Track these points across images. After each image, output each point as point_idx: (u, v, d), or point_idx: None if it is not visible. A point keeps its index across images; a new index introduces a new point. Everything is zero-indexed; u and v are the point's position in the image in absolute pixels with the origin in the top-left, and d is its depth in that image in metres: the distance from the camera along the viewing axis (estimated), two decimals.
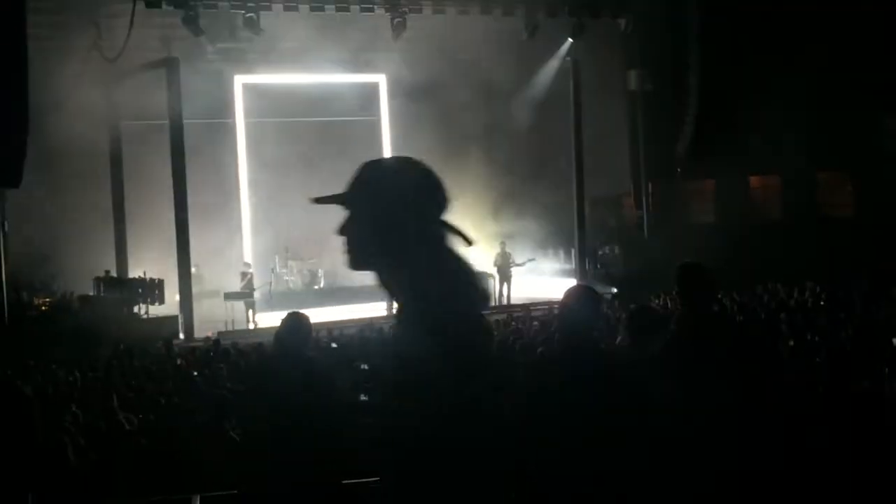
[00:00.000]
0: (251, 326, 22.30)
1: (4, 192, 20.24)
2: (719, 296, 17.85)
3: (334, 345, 14.67)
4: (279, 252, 24.87)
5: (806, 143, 23.27)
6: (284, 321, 6.23)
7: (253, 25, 22.40)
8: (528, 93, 26.47)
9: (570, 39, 25.40)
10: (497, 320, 18.52)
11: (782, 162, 24.39)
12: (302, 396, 5.71)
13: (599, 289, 7.27)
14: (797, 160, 23.87)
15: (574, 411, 4.43)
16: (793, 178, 25.77)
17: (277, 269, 24.26)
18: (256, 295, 22.86)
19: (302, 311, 6.39)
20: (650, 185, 26.23)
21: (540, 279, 25.82)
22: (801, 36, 22.33)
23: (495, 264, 24.77)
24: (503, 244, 24.88)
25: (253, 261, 24.12)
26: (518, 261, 24.91)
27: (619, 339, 8.09)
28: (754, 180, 26.88)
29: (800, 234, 23.29)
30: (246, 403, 7.05)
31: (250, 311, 22.78)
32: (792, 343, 10.75)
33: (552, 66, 26.39)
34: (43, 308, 20.78)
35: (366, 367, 12.01)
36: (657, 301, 17.57)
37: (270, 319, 21.91)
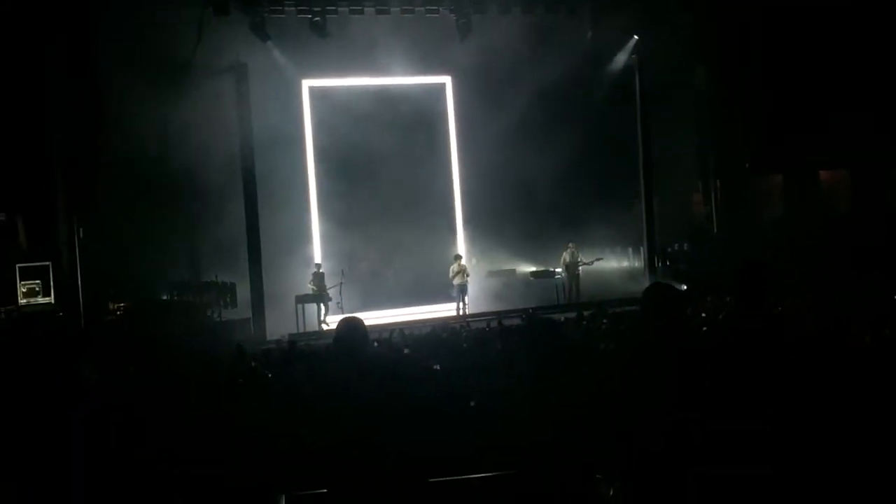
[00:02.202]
0: (323, 328, 22.47)
1: (79, 198, 20.62)
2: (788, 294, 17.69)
3: (406, 350, 14.70)
4: (349, 253, 24.99)
5: (876, 136, 22.87)
6: (339, 326, 6.26)
7: (319, 30, 22.59)
8: (594, 91, 26.34)
9: (636, 37, 25.28)
10: (566, 318, 18.48)
11: (852, 156, 24.00)
12: (379, 395, 5.76)
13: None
14: (867, 154, 23.48)
15: None
16: (863, 172, 25.33)
17: (347, 271, 24.41)
18: (328, 296, 23.03)
19: (372, 311, 6.46)
20: (718, 182, 25.98)
21: (609, 277, 25.73)
22: (870, 26, 21.98)
23: (563, 263, 24.77)
24: (571, 243, 24.83)
25: (323, 262, 24.28)
26: (585, 259, 24.86)
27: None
28: (824, 175, 26.47)
29: (869, 230, 22.91)
30: (324, 403, 7.11)
31: (322, 313, 22.97)
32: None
33: (618, 63, 26.25)
34: (118, 313, 21.10)
35: (437, 367, 12.04)
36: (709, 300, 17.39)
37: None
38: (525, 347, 5.45)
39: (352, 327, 6.20)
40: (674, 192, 27.42)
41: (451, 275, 24.10)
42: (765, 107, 24.28)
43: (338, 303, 23.10)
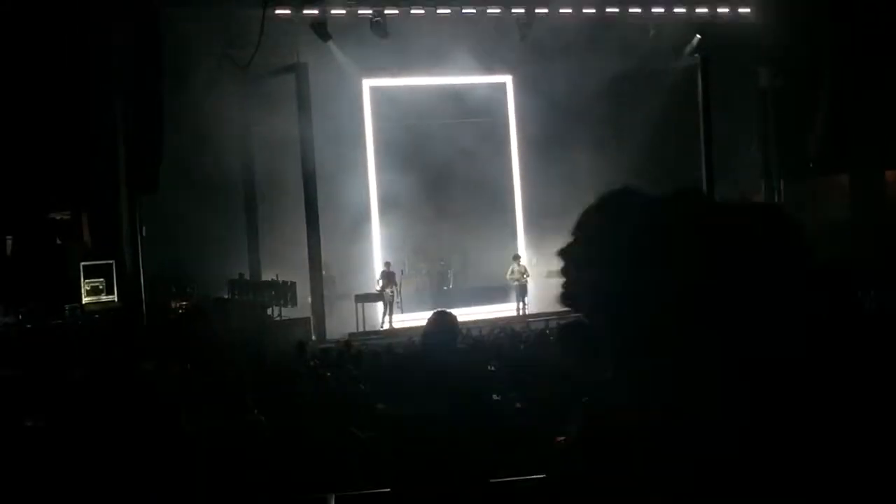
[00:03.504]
0: (384, 327, 22.52)
1: (143, 198, 20.82)
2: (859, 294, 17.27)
3: (462, 345, 14.63)
4: (408, 253, 24.96)
5: None
6: (431, 320, 6.21)
7: (379, 29, 22.60)
8: (656, 89, 26.02)
9: (699, 35, 24.97)
10: None
11: None
12: (453, 394, 5.69)
13: None
14: None
15: None
16: None
17: (407, 271, 24.35)
18: (396, 294, 23.05)
19: (431, 311, 6.37)
20: (782, 183, 25.60)
21: None
22: None
23: None
24: None
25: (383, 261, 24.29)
26: None
27: None
28: (890, 174, 25.94)
29: None
30: (389, 400, 7.05)
31: (387, 314, 22.97)
32: None
33: (681, 62, 25.92)
34: (180, 311, 21.26)
35: (493, 367, 11.96)
36: None
37: (403, 321, 22.10)
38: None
39: (441, 323, 6.14)
40: (737, 192, 27.03)
41: (509, 275, 23.99)
42: (829, 105, 23.85)
43: (397, 302, 23.10)
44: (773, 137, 25.74)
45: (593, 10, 23.85)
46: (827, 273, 2.73)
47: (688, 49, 25.58)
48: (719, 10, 24.63)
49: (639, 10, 24.17)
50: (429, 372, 5.94)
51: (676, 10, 24.28)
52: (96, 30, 19.48)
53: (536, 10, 23.54)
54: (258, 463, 7.18)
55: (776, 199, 25.61)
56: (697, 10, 24.37)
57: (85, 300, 19.77)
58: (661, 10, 24.33)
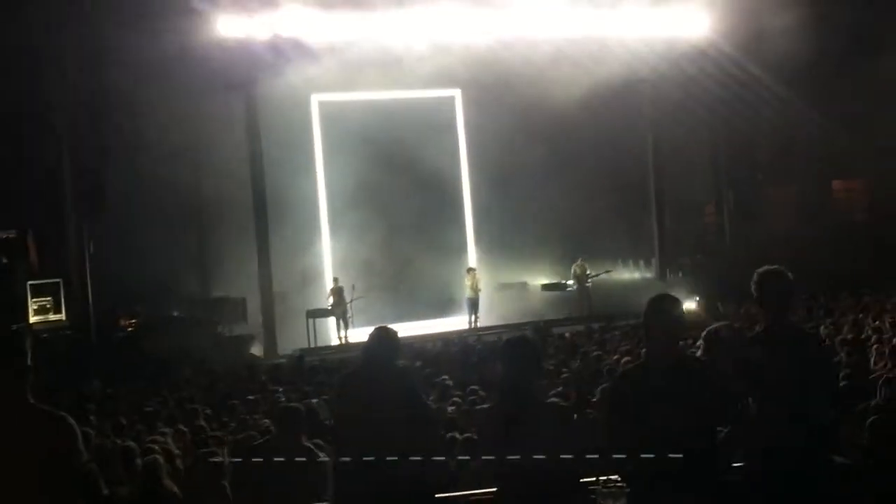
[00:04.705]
0: (335, 343, 22.50)
1: (91, 216, 20.63)
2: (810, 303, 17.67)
3: (418, 363, 14.66)
4: (359, 268, 24.88)
5: (890, 145, 22.75)
6: (372, 335, 6.25)
7: (328, 45, 22.55)
8: (606, 103, 26.16)
9: (649, 50, 25.13)
10: (578, 331, 18.48)
11: (866, 166, 23.90)
12: (398, 409, 5.73)
13: (682, 297, 7.16)
14: (882, 163, 23.35)
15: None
16: (877, 182, 25.20)
17: (358, 286, 24.31)
18: (347, 310, 22.98)
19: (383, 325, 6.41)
20: (731, 193, 25.90)
21: (622, 289, 25.62)
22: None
23: (574, 276, 24.72)
24: (581, 258, 24.79)
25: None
26: (595, 272, 24.78)
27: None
28: (836, 185, 26.37)
29: (886, 239, 22.77)
30: (336, 418, 7.07)
31: (341, 329, 22.91)
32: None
33: (630, 76, 26.04)
34: (129, 329, 21.10)
35: (450, 381, 12.00)
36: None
37: (355, 336, 22.10)
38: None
39: (383, 339, 6.19)
40: (686, 204, 27.33)
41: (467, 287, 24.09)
42: (776, 118, 24.19)
43: (349, 317, 23.05)
44: (722, 150, 26.00)
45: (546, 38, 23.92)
46: None
47: (639, 63, 25.70)
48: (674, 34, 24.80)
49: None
50: (370, 386, 6.01)
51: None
52: (41, 48, 19.34)
53: (485, 28, 23.53)
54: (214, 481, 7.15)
55: (727, 208, 25.86)
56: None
57: (32, 319, 19.58)
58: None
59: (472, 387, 11.12)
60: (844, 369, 9.22)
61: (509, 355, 5.32)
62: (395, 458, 5.53)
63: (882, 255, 21.49)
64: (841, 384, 7.97)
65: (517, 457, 4.89)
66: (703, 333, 6.16)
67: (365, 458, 5.60)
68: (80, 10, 19.93)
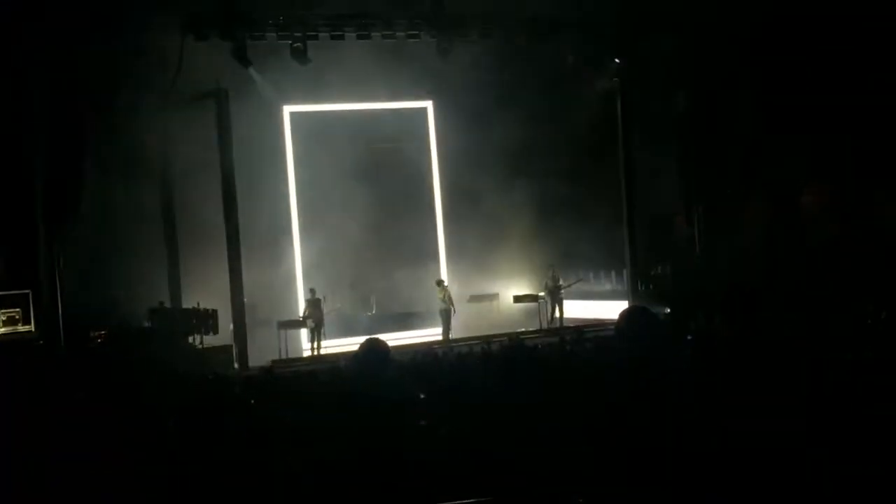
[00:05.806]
0: (306, 354, 22.46)
1: (60, 226, 20.51)
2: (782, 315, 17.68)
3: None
4: (331, 279, 24.87)
5: (858, 157, 22.89)
6: (363, 346, 6.25)
7: (300, 55, 22.54)
8: (576, 114, 26.26)
9: (617, 60, 25.28)
10: (550, 343, 18.45)
11: (835, 180, 24.01)
12: (387, 420, 5.74)
13: (653, 308, 7.24)
14: (851, 177, 23.49)
15: None
16: (847, 196, 25.32)
17: (330, 297, 24.28)
18: (310, 323, 22.93)
19: (355, 337, 6.45)
20: (701, 205, 26.00)
21: (592, 301, 25.74)
22: (856, 50, 22.03)
23: (546, 287, 24.81)
24: (552, 267, 24.92)
25: (305, 289, 24.22)
26: (566, 282, 24.90)
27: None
28: (806, 198, 26.50)
29: (853, 253, 22.89)
30: (320, 429, 7.04)
31: (314, 341, 22.85)
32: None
33: (599, 87, 26.17)
34: (99, 339, 20.95)
35: (423, 395, 11.96)
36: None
37: (327, 347, 22.05)
38: (502, 375, 5.43)
39: (373, 350, 6.19)
40: (657, 215, 27.42)
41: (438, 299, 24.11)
42: (747, 130, 24.28)
43: (324, 329, 23.01)
44: (692, 161, 26.09)
45: (512, 38, 23.97)
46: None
47: (606, 73, 25.82)
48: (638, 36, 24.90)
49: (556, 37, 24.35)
50: (359, 398, 5.99)
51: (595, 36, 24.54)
52: (9, 60, 19.24)
53: (456, 37, 23.56)
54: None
55: (696, 220, 25.94)
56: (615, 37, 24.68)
57: (1, 330, 19.42)
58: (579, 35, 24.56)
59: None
60: None
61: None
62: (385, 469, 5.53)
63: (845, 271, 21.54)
64: None
65: None
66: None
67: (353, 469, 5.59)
68: (51, 25, 19.80)
